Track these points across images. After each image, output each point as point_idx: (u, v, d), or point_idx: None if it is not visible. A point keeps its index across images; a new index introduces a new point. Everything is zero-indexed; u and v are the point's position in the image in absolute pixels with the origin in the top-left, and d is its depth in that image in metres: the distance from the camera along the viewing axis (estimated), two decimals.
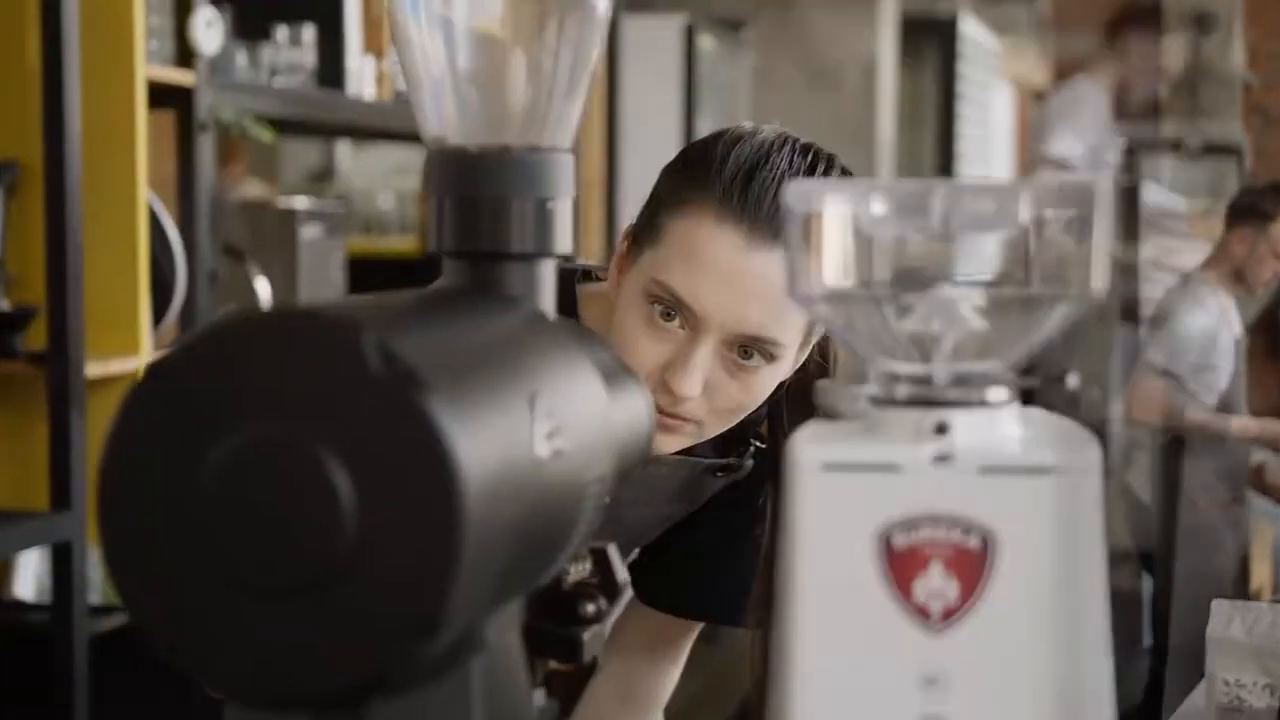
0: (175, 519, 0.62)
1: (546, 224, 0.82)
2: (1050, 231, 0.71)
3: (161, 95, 2.63)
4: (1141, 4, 4.15)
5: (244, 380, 0.60)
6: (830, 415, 0.70)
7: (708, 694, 2.85)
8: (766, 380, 1.23)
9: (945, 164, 7.32)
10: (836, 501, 0.66)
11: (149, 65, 2.56)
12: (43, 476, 2.37)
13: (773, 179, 1.19)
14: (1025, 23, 9.47)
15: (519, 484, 0.63)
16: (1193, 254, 4.16)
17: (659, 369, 1.22)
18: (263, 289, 2.96)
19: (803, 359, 1.29)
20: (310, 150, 5.05)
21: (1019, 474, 0.65)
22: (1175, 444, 4.08)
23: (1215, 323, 4.00)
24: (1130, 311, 4.17)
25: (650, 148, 4.91)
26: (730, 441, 1.36)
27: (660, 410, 1.21)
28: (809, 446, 0.66)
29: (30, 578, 2.65)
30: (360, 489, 0.58)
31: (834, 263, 0.72)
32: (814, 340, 1.28)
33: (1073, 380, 4.32)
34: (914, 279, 0.72)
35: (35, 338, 2.41)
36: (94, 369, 2.43)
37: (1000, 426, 0.67)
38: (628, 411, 0.85)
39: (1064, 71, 9.73)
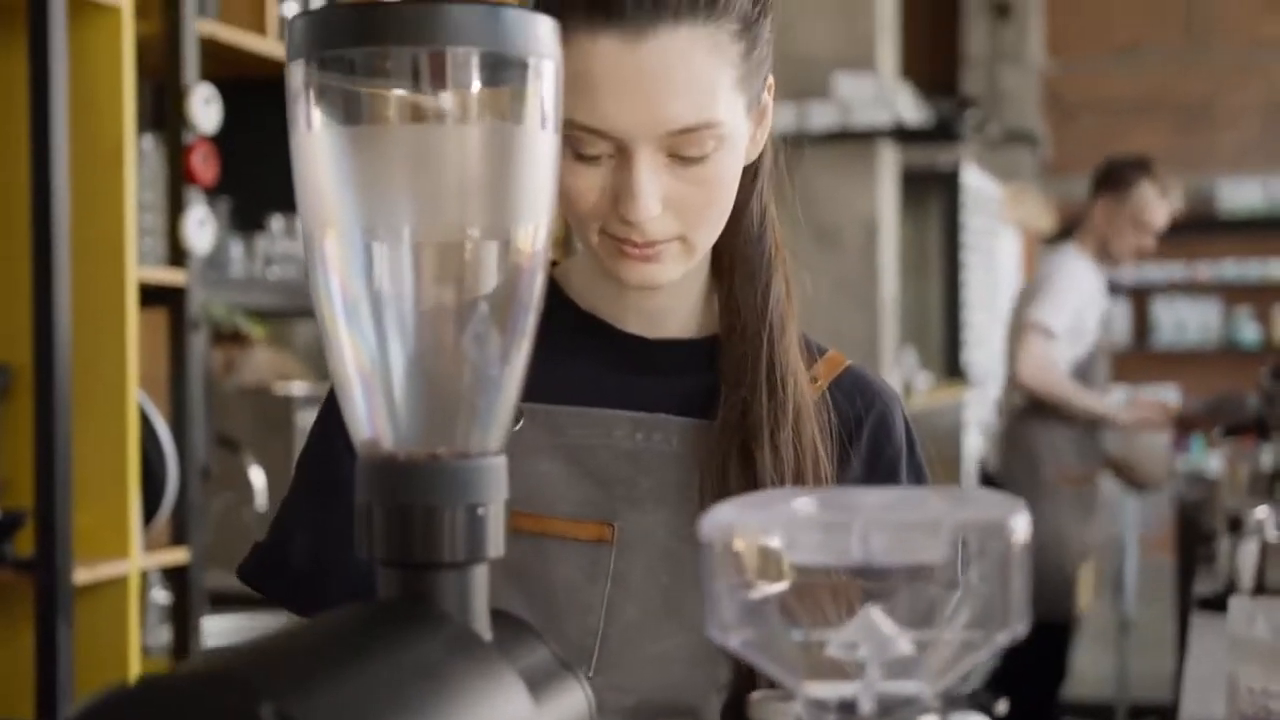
0: None
1: (478, 531, 0.80)
2: (973, 568, 0.69)
3: (154, 294, 2.65)
4: (1121, 163, 4.20)
5: None
6: None
7: None
8: (726, 166, 1.12)
9: (951, 313, 7.34)
10: None
11: (141, 266, 2.58)
12: (29, 686, 2.34)
13: None
14: (1028, 167, 9.58)
15: None
16: None
17: (611, 208, 1.11)
18: (257, 480, 2.95)
19: (764, 132, 1.19)
20: None
21: None
22: (1028, 411, 4.06)
23: (1087, 290, 4.03)
24: None
25: None
26: None
27: (634, 244, 1.12)
28: None
29: None
30: None
31: (754, 590, 0.70)
32: (767, 103, 1.17)
33: None
34: (839, 602, 0.71)
35: (23, 543, 2.40)
36: (83, 574, 2.41)
37: None
38: (559, 714, 0.83)
39: (1066, 215, 9.85)
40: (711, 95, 1.09)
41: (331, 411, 1.26)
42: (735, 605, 0.71)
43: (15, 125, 2.42)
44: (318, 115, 0.79)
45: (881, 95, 5.31)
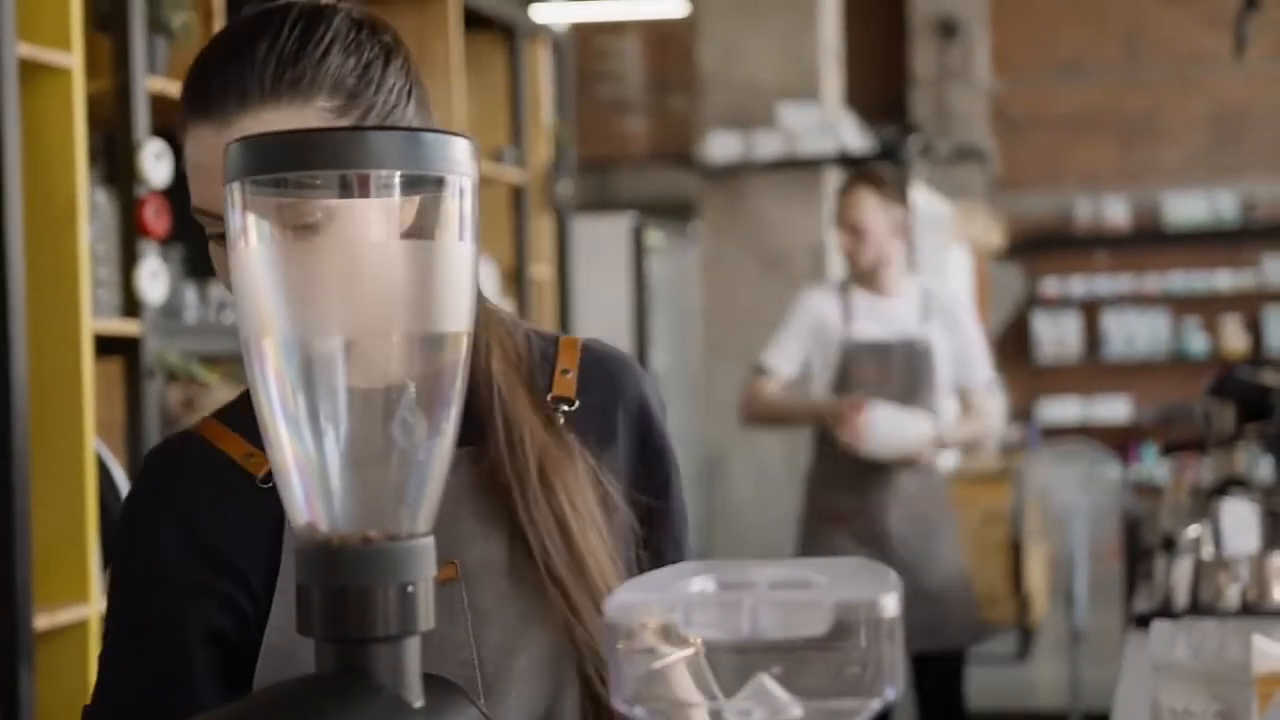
0: None
1: (409, 607, 0.87)
2: (852, 639, 0.77)
3: (109, 344, 2.71)
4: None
5: None
6: None
7: None
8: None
9: None
10: None
11: (96, 317, 2.64)
12: None
13: (223, 54, 1.16)
14: (978, 183, 9.71)
15: None
16: None
17: None
18: None
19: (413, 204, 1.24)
20: None
21: None
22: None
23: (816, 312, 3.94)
24: None
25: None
26: None
27: None
28: None
29: None
30: None
31: (654, 662, 0.78)
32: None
33: None
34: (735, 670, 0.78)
35: None
36: (42, 620, 2.47)
37: None
38: None
39: (1015, 230, 9.99)
40: None
41: (151, 541, 1.22)
42: (637, 677, 0.78)
43: None
44: (253, 232, 0.86)
45: (826, 123, 5.40)
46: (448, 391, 0.89)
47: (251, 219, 0.87)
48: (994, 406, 4.08)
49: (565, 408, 1.26)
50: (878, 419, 3.74)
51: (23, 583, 2.41)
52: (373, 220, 0.86)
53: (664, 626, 0.78)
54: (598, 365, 1.30)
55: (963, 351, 3.93)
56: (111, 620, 1.25)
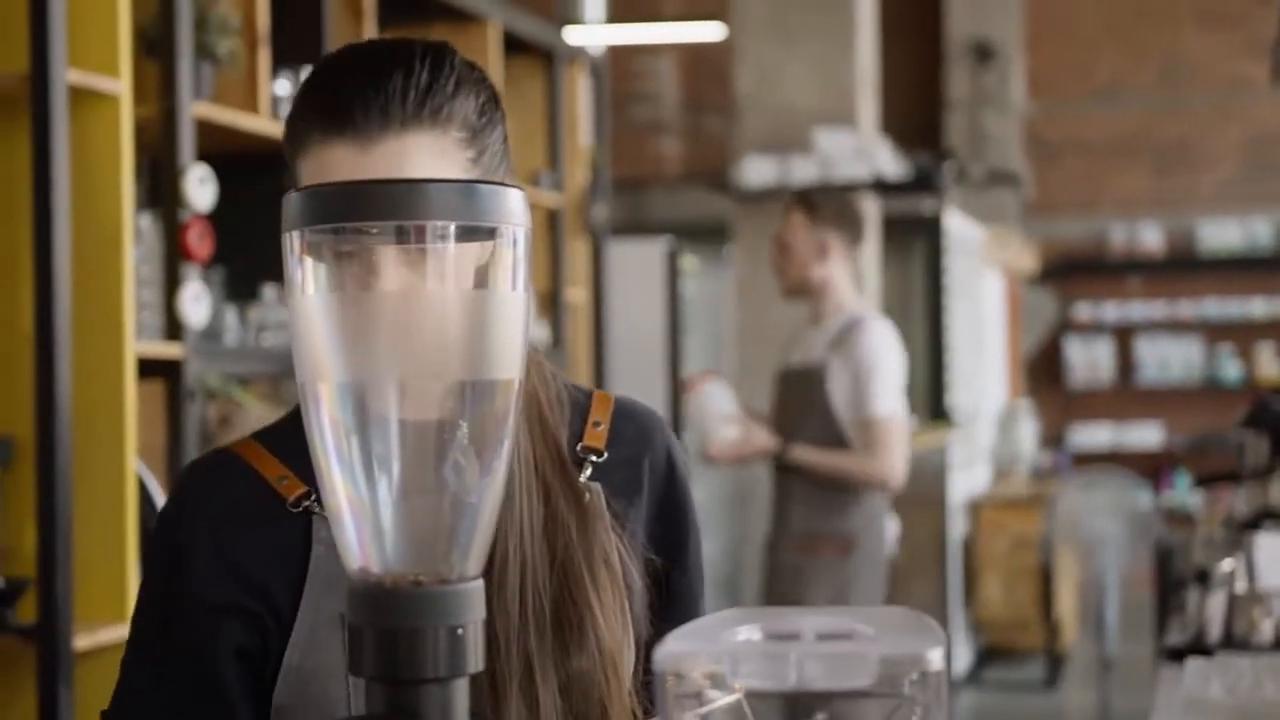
0: None
1: (459, 649, 0.89)
2: (897, 691, 0.78)
3: (151, 366, 2.74)
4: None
5: None
6: None
7: None
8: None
9: (935, 357, 7.44)
10: None
11: (139, 340, 2.67)
12: None
13: (360, 76, 1.17)
14: (1012, 208, 9.70)
15: None
16: None
17: None
18: None
19: None
20: None
21: None
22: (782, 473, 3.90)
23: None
24: None
25: (638, 364, 5.03)
26: None
27: None
28: None
29: None
30: None
31: (702, 709, 0.79)
32: None
33: None
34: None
35: (25, 610, 2.48)
36: (83, 640, 2.50)
37: None
38: None
39: (1048, 255, 9.97)
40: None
41: (182, 555, 1.23)
42: None
43: (19, 207, 2.51)
44: (311, 281, 0.88)
45: (861, 149, 5.41)
46: (499, 435, 0.91)
47: (310, 266, 0.89)
48: (895, 446, 3.76)
49: (594, 459, 1.28)
50: (704, 390, 3.83)
51: (64, 604, 2.44)
52: (429, 270, 0.88)
53: (711, 675, 0.79)
54: (629, 421, 1.32)
55: (858, 382, 3.80)
56: (137, 629, 1.26)
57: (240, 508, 1.26)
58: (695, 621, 0.85)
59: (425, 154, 1.17)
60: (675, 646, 0.80)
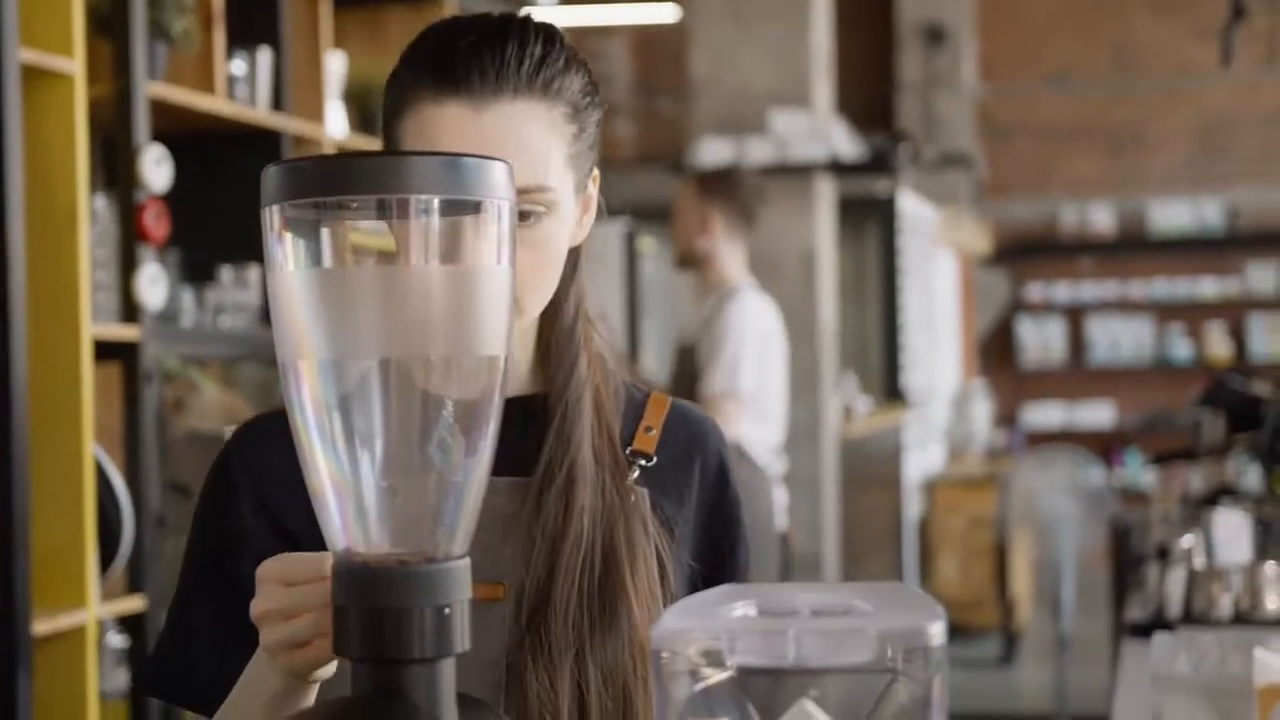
0: None
1: (445, 628, 0.88)
2: (895, 666, 0.77)
3: (108, 348, 2.70)
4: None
5: None
6: None
7: None
8: (553, 235, 1.20)
9: (890, 337, 7.46)
10: None
11: (95, 322, 2.63)
12: None
13: (475, 40, 1.18)
14: (965, 189, 9.73)
15: None
16: None
17: None
18: None
19: (589, 220, 1.27)
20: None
21: None
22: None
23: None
24: None
25: None
26: None
27: None
28: None
29: None
30: None
31: (699, 686, 0.78)
32: (593, 194, 1.26)
33: None
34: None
35: None
36: (41, 626, 2.46)
37: None
38: None
39: (1001, 236, 10.02)
40: (545, 162, 1.18)
41: (219, 493, 1.26)
42: (683, 701, 0.78)
43: None
44: (291, 257, 0.87)
45: (817, 130, 5.41)
46: (485, 412, 0.90)
47: (289, 242, 0.87)
48: (723, 424, 3.74)
49: (643, 463, 1.28)
50: None
51: (21, 589, 2.41)
52: (411, 244, 0.86)
53: (708, 651, 0.78)
54: (682, 425, 1.32)
55: (708, 358, 3.81)
56: (185, 578, 1.27)
57: (287, 467, 1.25)
58: (689, 598, 0.84)
59: (535, 123, 1.18)
60: (671, 623, 0.79)
